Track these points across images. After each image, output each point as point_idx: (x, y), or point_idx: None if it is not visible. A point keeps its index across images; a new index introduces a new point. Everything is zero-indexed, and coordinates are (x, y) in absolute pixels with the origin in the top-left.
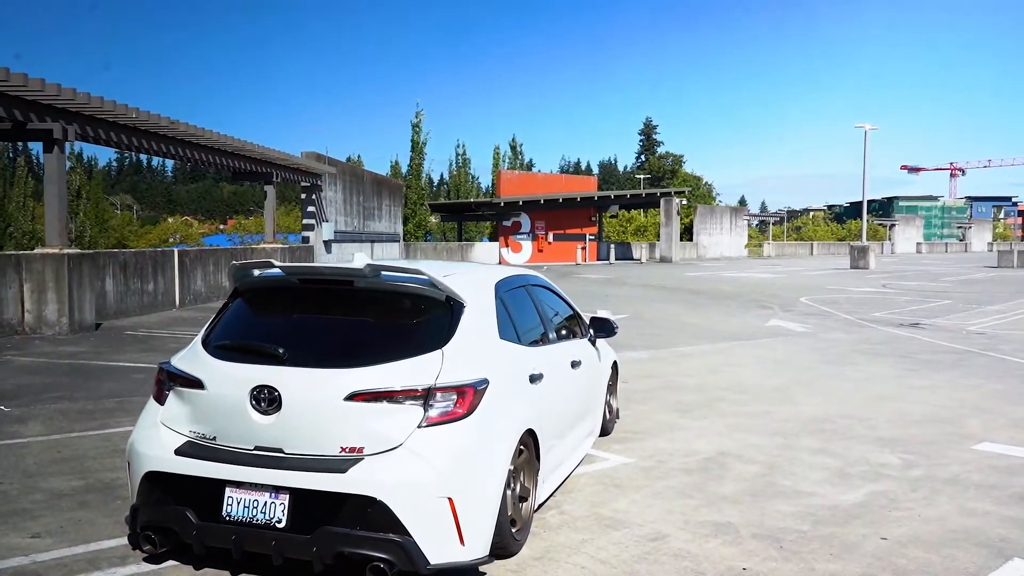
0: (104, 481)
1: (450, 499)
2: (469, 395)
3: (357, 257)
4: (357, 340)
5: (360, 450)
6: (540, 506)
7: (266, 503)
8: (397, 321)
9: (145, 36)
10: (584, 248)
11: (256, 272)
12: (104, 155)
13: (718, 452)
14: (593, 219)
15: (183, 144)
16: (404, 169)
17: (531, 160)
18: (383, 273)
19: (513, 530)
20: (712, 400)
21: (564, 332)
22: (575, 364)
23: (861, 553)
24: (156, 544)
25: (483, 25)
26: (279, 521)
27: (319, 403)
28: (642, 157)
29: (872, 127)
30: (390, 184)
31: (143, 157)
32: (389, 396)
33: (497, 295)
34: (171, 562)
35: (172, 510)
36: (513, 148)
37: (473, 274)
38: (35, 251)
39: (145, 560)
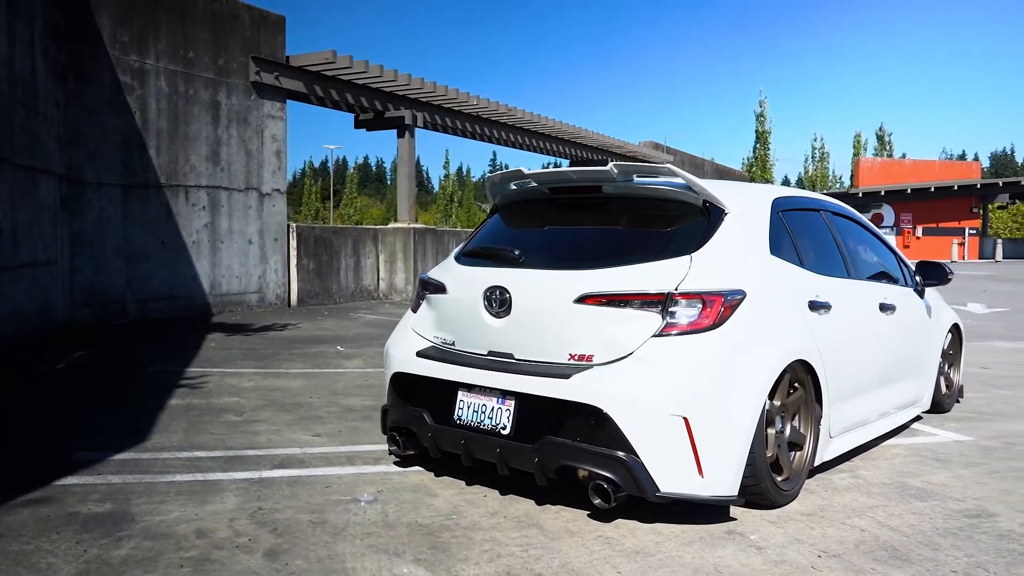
0: None
1: (685, 419)
2: (716, 304)
3: (612, 164)
4: (597, 245)
5: (589, 358)
6: (826, 466)
7: (493, 408)
8: (645, 227)
9: (469, 23)
10: (962, 244)
11: (512, 186)
12: (477, 169)
13: None
14: (975, 210)
15: (519, 131)
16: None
17: (904, 154)
18: (635, 178)
19: (778, 478)
20: None
21: (874, 273)
22: (885, 308)
23: None
24: (400, 445)
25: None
26: (504, 427)
27: (548, 305)
28: None
29: None
30: (733, 175)
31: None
32: (622, 300)
33: (775, 211)
34: (416, 467)
35: (412, 411)
36: (880, 138)
37: (748, 187)
38: (388, 226)
39: (395, 464)
